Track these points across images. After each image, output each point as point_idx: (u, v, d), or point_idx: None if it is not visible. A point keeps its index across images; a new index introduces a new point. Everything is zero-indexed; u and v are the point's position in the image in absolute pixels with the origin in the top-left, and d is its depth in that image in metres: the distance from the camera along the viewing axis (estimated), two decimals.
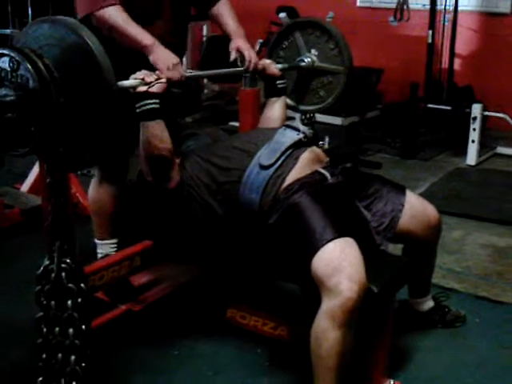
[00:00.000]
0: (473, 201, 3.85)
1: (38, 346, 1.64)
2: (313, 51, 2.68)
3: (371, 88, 5.57)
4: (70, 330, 1.62)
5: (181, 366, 2.19)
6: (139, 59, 2.05)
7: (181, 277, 2.47)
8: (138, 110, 1.91)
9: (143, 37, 2.09)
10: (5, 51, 1.45)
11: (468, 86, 5.30)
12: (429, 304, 2.39)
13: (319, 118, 3.31)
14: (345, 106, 5.05)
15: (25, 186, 3.58)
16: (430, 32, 5.22)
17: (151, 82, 1.90)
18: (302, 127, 2.12)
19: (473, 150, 4.66)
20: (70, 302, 1.61)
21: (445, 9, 5.36)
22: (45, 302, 1.62)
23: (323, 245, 1.77)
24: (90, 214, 2.55)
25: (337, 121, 5.18)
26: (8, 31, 5.82)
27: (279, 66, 2.52)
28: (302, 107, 2.81)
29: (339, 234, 1.80)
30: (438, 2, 5.31)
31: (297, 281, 2.02)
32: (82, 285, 1.63)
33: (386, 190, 2.11)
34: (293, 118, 2.67)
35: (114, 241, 2.50)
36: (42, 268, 1.62)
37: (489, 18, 5.65)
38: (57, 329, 1.63)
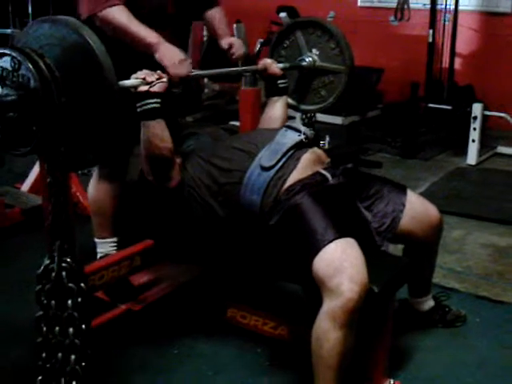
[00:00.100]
0: (473, 200, 3.85)
1: (38, 345, 1.64)
2: (314, 51, 2.68)
3: (372, 87, 5.58)
4: (70, 330, 1.62)
5: (181, 365, 2.19)
6: (140, 59, 2.05)
7: (181, 276, 2.47)
8: (139, 110, 1.91)
9: (148, 35, 2.10)
10: (6, 51, 1.45)
11: (468, 85, 5.30)
12: (429, 304, 2.39)
13: (319, 117, 3.31)
14: (345, 105, 5.05)
15: (25, 186, 3.58)
16: (431, 31, 5.23)
17: (152, 82, 1.90)
18: (303, 128, 2.12)
19: (473, 150, 4.66)
20: (70, 302, 1.61)
21: (445, 8, 5.36)
22: (45, 302, 1.62)
23: (324, 245, 1.77)
24: (89, 214, 2.55)
25: (337, 120, 5.19)
26: (9, 31, 5.82)
27: (280, 65, 2.52)
28: (303, 107, 2.81)
29: (340, 234, 1.80)
30: (439, 2, 5.32)
31: (298, 281, 2.02)
32: (82, 284, 1.63)
33: (386, 190, 2.11)
34: (293, 118, 2.67)
35: (114, 240, 2.50)
36: (42, 267, 1.62)
37: (489, 18, 5.65)
38: (57, 328, 1.62)
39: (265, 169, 1.97)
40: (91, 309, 1.71)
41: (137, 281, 2.45)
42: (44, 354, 1.65)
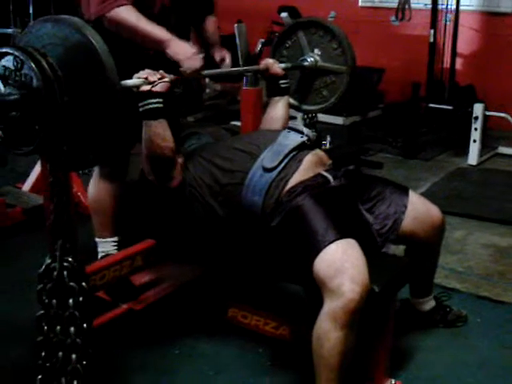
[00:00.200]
0: (474, 201, 3.85)
1: (39, 344, 1.64)
2: (316, 51, 2.68)
3: (373, 87, 5.57)
4: (72, 329, 1.62)
5: (182, 365, 2.19)
6: (143, 58, 2.06)
7: (182, 276, 2.47)
8: (141, 109, 1.91)
9: (158, 32, 2.13)
10: (9, 50, 1.45)
11: (470, 85, 5.30)
12: (430, 304, 2.39)
13: (320, 117, 3.31)
14: (346, 105, 5.05)
15: (26, 186, 3.58)
16: (432, 31, 5.22)
17: (154, 81, 1.90)
18: (305, 130, 2.12)
19: (474, 150, 4.66)
20: (71, 301, 1.61)
21: (446, 8, 5.35)
22: (46, 301, 1.62)
23: (325, 246, 1.77)
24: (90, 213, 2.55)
25: (338, 120, 5.19)
26: (10, 30, 5.83)
27: (282, 65, 2.52)
28: (305, 107, 2.81)
29: (341, 235, 1.79)
30: (440, 2, 5.31)
31: (299, 282, 2.02)
32: (84, 283, 1.64)
33: (388, 192, 2.11)
34: (295, 118, 2.66)
35: (115, 239, 2.50)
36: (43, 266, 1.62)
37: (490, 18, 5.64)
38: (58, 327, 1.63)
39: (267, 170, 1.97)
40: (92, 308, 1.72)
41: (138, 280, 2.45)
42: (44, 353, 1.65)
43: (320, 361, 1.76)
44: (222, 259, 2.32)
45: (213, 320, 2.34)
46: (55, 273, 1.61)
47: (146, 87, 1.89)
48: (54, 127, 1.46)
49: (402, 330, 2.29)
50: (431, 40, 5.23)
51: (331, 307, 1.71)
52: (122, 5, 2.11)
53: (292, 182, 1.96)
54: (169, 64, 2.08)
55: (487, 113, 4.72)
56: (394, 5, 5.33)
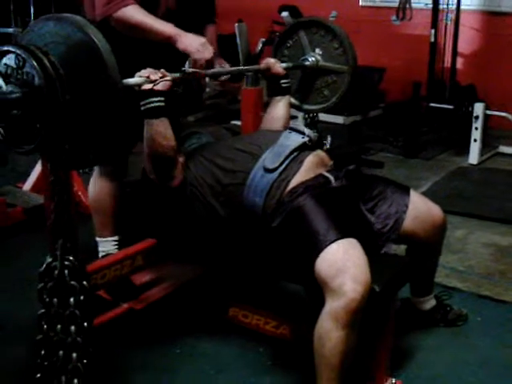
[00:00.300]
0: (475, 200, 3.85)
1: (38, 342, 1.64)
2: (317, 50, 2.68)
3: (374, 87, 5.57)
4: (72, 328, 1.62)
5: (183, 364, 2.19)
6: (144, 57, 2.06)
7: (183, 276, 2.47)
8: (142, 108, 1.91)
9: (166, 28, 2.16)
10: (10, 48, 1.45)
11: (470, 84, 5.29)
12: (431, 303, 2.39)
13: (321, 116, 3.30)
14: (347, 104, 5.04)
15: (27, 185, 3.59)
16: (433, 31, 5.22)
17: (156, 80, 1.90)
18: (306, 130, 2.12)
19: (475, 149, 4.66)
20: (72, 300, 1.61)
21: (447, 8, 5.35)
22: (47, 300, 1.62)
23: (326, 246, 1.77)
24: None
25: (339, 120, 5.18)
26: (10, 30, 5.84)
27: (284, 64, 2.51)
28: (306, 106, 2.81)
29: (343, 235, 1.79)
30: (441, 1, 5.30)
31: (300, 281, 2.02)
32: (85, 282, 1.64)
33: (389, 191, 2.11)
34: (296, 117, 2.66)
35: (115, 238, 2.51)
36: (44, 265, 1.62)
37: (491, 17, 5.64)
38: (59, 326, 1.63)
39: (268, 171, 1.97)
40: (93, 307, 1.72)
41: (139, 280, 2.44)
42: (44, 352, 1.65)
43: (321, 360, 1.76)
44: (223, 259, 2.32)
45: (213, 319, 2.34)
46: (56, 272, 1.61)
47: (148, 86, 1.89)
48: (56, 126, 1.46)
49: (402, 329, 2.29)
50: (432, 39, 5.23)
51: (333, 307, 1.71)
52: (128, 4, 2.13)
53: (293, 182, 1.96)
54: (170, 63, 2.08)
55: (488, 112, 4.72)
56: (395, 4, 5.32)
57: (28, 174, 3.62)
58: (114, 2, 2.13)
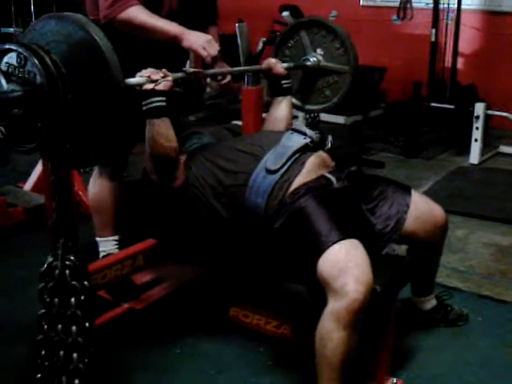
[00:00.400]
0: (476, 200, 3.85)
1: (39, 342, 1.64)
2: (318, 50, 2.68)
3: (374, 87, 5.56)
4: (73, 328, 1.62)
5: (183, 364, 2.19)
6: (145, 57, 2.06)
7: (183, 275, 2.47)
8: (144, 108, 1.91)
9: (171, 27, 2.18)
10: (12, 46, 1.45)
11: (471, 84, 5.29)
12: (432, 303, 2.38)
13: (322, 116, 3.30)
14: (348, 104, 5.04)
15: (28, 185, 3.59)
16: (434, 31, 5.21)
17: (157, 80, 1.90)
18: (308, 131, 2.11)
19: (476, 149, 4.66)
20: (73, 300, 1.61)
21: (448, 7, 5.35)
22: (48, 299, 1.62)
23: (329, 246, 1.77)
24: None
25: (340, 120, 5.17)
26: (11, 30, 5.84)
27: (285, 64, 2.51)
28: (308, 106, 2.81)
29: (345, 236, 1.79)
30: (441, 1, 5.30)
31: (302, 282, 2.01)
32: (86, 282, 1.63)
33: (391, 191, 2.11)
34: (296, 117, 2.66)
35: (116, 238, 2.51)
36: (45, 265, 1.62)
37: (492, 17, 5.63)
38: (59, 326, 1.63)
39: (270, 172, 1.97)
40: (94, 307, 1.71)
41: (139, 280, 2.45)
42: (44, 352, 1.65)
43: (322, 360, 1.76)
44: (224, 259, 2.31)
45: (214, 319, 2.34)
46: (57, 271, 1.61)
47: (149, 85, 1.89)
48: (57, 125, 1.45)
49: (403, 328, 2.28)
50: (433, 39, 5.23)
51: (335, 307, 1.71)
52: (132, 5, 2.14)
53: (295, 183, 1.96)
54: (171, 62, 2.08)
55: (489, 112, 4.72)
56: (396, 4, 5.33)
57: (29, 174, 3.62)
58: (118, 4, 2.13)
